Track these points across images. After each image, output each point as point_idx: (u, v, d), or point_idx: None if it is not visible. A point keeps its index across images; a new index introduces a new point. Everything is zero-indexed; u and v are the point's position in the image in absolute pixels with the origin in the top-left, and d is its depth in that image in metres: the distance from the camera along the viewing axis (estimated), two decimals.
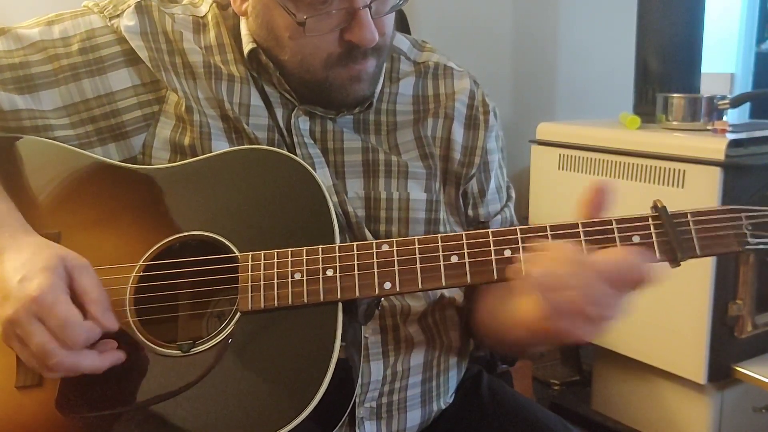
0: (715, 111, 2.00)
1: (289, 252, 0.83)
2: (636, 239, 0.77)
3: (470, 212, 1.07)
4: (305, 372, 0.79)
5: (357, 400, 0.95)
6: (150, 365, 0.83)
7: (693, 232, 0.77)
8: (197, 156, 0.92)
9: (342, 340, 0.81)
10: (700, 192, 1.82)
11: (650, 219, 0.78)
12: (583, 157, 2.10)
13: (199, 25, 1.00)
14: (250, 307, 0.82)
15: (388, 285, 0.81)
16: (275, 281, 0.82)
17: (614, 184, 0.78)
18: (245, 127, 0.95)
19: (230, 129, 0.95)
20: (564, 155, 2.15)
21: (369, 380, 0.96)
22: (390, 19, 0.94)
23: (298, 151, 0.96)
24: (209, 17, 1.00)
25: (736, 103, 2.01)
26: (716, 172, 1.78)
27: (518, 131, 2.31)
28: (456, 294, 1.07)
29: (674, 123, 2.03)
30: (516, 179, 1.20)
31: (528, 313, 0.78)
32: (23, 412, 0.83)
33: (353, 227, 0.96)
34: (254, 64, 0.97)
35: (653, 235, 0.77)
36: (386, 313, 0.98)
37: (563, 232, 0.79)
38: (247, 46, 0.97)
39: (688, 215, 0.77)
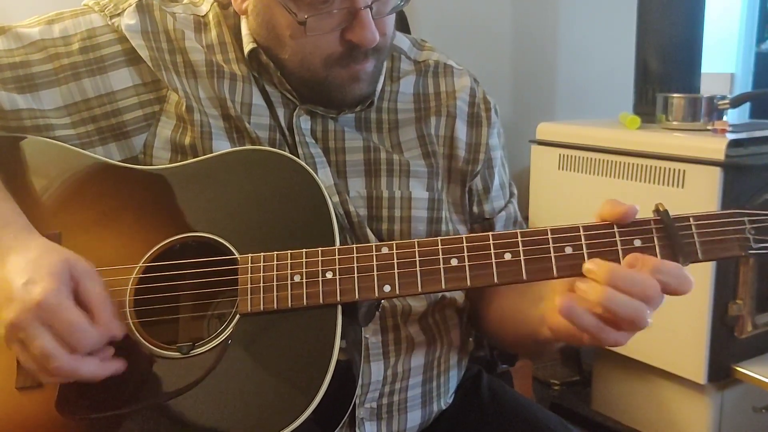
0: (715, 111, 2.00)
1: (289, 254, 0.82)
2: (638, 243, 0.77)
3: (475, 209, 1.07)
4: (305, 373, 0.79)
5: (357, 401, 0.95)
6: (150, 367, 0.82)
7: (695, 236, 0.76)
8: (198, 156, 0.92)
9: (342, 342, 0.80)
10: (700, 192, 1.82)
11: (652, 223, 0.77)
12: (583, 157, 2.10)
13: (200, 24, 1.00)
14: (249, 309, 0.82)
15: (387, 288, 0.80)
16: (274, 283, 0.82)
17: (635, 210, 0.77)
18: (247, 126, 0.95)
19: (231, 128, 0.95)
20: (564, 155, 2.15)
21: (369, 381, 0.96)
22: (391, 20, 0.94)
23: (299, 150, 0.96)
24: (210, 16, 1.00)
25: (736, 103, 2.01)
26: (716, 172, 1.78)
27: (518, 131, 2.30)
28: (457, 294, 1.07)
29: (674, 123, 2.03)
30: (516, 179, 1.19)
31: (557, 303, 0.76)
32: (23, 413, 0.82)
33: (355, 226, 0.96)
34: (255, 63, 0.97)
35: (655, 239, 0.77)
36: (387, 314, 0.98)
37: (564, 235, 0.79)
38: (247, 45, 0.96)
39: (691, 219, 0.77)
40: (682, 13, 2.15)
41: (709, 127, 1.97)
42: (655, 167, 1.91)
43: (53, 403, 0.82)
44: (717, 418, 2.00)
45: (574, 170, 2.13)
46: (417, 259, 0.81)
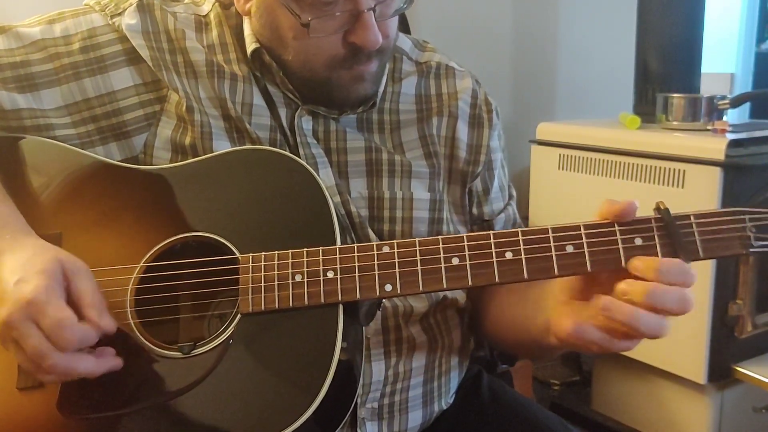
0: (715, 111, 2.00)
1: (290, 254, 0.82)
2: (638, 241, 0.77)
3: (474, 210, 1.07)
4: (307, 373, 0.79)
5: (359, 401, 0.95)
6: (151, 367, 0.82)
7: (696, 234, 0.76)
8: (199, 156, 0.92)
9: (343, 341, 0.80)
10: (700, 192, 1.82)
11: (653, 221, 0.77)
12: (583, 157, 2.10)
13: (201, 24, 1.00)
14: (250, 309, 0.82)
15: (389, 287, 0.80)
16: (276, 283, 0.82)
17: (634, 206, 0.77)
18: (247, 126, 0.95)
19: (232, 128, 0.95)
20: (564, 155, 2.15)
21: (371, 381, 0.96)
22: (394, 22, 0.94)
23: (301, 151, 0.96)
24: (211, 16, 1.00)
25: (736, 103, 2.01)
26: (716, 172, 1.78)
27: (518, 131, 2.30)
28: (458, 294, 1.07)
29: (674, 123, 2.03)
30: (516, 179, 1.19)
31: (566, 327, 0.77)
32: (24, 413, 0.82)
33: (356, 227, 0.96)
34: (257, 63, 0.97)
35: (656, 237, 0.76)
36: (388, 314, 0.98)
37: (565, 233, 0.78)
38: (250, 46, 0.96)
39: (691, 217, 0.77)
40: (682, 13, 2.15)
41: (709, 127, 1.97)
42: (655, 167, 1.91)
43: (54, 404, 0.81)
44: (717, 418, 2.00)
45: (574, 170, 2.13)
46: (418, 258, 0.80)
